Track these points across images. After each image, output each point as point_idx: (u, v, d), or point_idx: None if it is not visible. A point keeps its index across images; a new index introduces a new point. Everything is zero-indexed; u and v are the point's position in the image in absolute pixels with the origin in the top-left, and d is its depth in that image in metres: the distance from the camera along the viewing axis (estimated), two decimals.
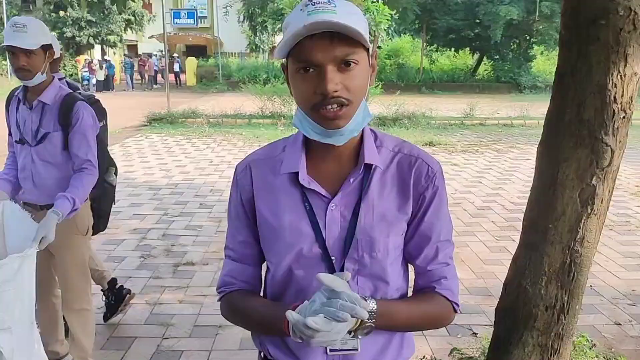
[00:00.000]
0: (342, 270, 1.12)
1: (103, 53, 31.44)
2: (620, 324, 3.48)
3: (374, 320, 1.05)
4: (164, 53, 19.65)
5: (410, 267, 1.25)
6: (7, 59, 2.50)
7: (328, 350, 1.13)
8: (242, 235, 1.21)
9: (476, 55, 28.27)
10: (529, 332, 2.43)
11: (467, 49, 28.15)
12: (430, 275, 1.19)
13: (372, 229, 1.12)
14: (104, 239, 4.84)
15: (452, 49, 28.66)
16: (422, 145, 10.54)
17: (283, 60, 1.09)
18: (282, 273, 1.16)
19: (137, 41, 39.78)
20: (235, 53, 35.15)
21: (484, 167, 8.56)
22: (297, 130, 1.15)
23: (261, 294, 1.27)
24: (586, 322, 3.45)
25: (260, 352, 1.26)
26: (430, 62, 28.11)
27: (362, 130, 1.13)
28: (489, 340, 2.73)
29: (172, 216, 5.77)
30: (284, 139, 1.22)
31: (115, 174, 2.76)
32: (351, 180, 1.12)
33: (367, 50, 1.06)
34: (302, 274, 1.14)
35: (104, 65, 25.42)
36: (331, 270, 1.12)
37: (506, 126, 13.27)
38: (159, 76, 28.44)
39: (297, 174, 1.12)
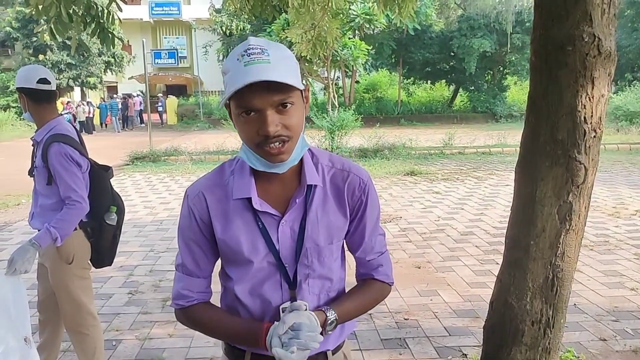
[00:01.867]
0: (295, 276, 1.30)
1: (83, 95, 31.46)
2: (606, 340, 3.56)
3: (335, 324, 1.30)
4: (144, 93, 19.81)
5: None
6: None
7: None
8: (196, 252, 1.34)
9: (452, 87, 28.96)
10: (517, 347, 2.49)
11: (443, 81, 28.86)
12: (369, 265, 1.42)
13: (317, 238, 1.30)
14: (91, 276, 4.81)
15: (429, 82, 29.34)
16: (404, 175, 10.73)
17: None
18: (244, 285, 1.31)
19: (117, 82, 39.94)
20: (215, 91, 35.46)
21: (465, 194, 8.72)
22: None
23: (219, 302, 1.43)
24: (572, 339, 3.52)
25: (223, 342, 1.43)
26: (407, 94, 28.70)
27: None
28: (479, 359, 2.78)
29: (158, 252, 5.76)
30: (229, 162, 1.35)
31: (118, 212, 2.83)
32: (297, 200, 1.28)
33: (300, 90, 1.20)
34: (259, 281, 1.31)
35: (90, 108, 25.41)
36: (286, 276, 1.30)
37: (485, 154, 13.55)
38: (145, 115, 28.29)
39: (249, 198, 1.26)
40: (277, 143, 1.15)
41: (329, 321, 1.27)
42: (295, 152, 1.21)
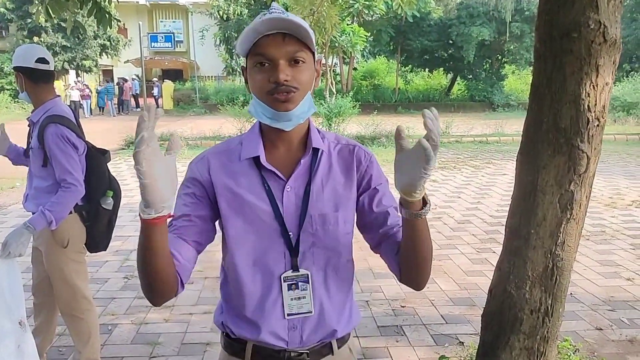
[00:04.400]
0: (297, 244, 1.27)
1: (78, 77, 31.15)
2: (602, 329, 3.57)
3: (426, 211, 1.16)
4: (140, 77, 19.63)
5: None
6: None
7: (286, 315, 1.27)
8: (185, 209, 1.27)
9: (450, 75, 28.85)
10: (516, 335, 2.49)
11: (441, 69, 28.75)
12: (398, 234, 1.28)
13: (322, 205, 1.28)
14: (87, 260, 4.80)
15: (426, 70, 29.23)
16: None
17: (243, 63, 1.27)
18: (247, 255, 1.27)
19: (112, 66, 39.62)
20: (211, 76, 35.26)
21: (462, 183, 8.71)
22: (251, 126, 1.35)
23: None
24: (568, 328, 3.53)
25: (222, 332, 1.38)
26: (405, 82, 28.59)
27: (309, 123, 1.32)
28: (476, 348, 2.78)
29: None
30: (239, 136, 1.37)
31: (114, 197, 2.79)
32: (302, 161, 1.28)
33: (313, 55, 1.26)
34: (262, 248, 1.27)
35: (75, 92, 24.11)
36: (289, 244, 1.27)
37: (482, 143, 13.53)
38: (140, 100, 27.47)
39: (257, 158, 1.28)
40: (285, 92, 1.19)
41: (427, 204, 1.16)
42: (300, 107, 1.23)
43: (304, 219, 1.27)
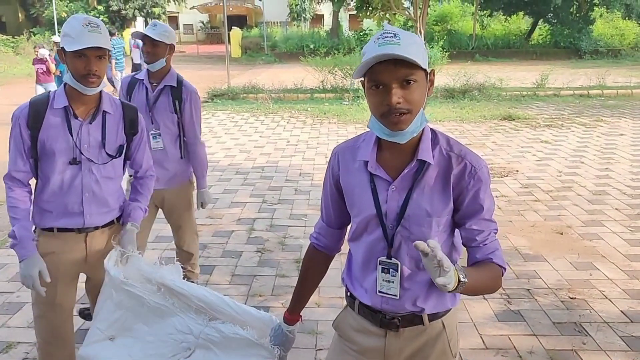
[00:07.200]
0: (393, 237, 1.50)
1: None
2: None
3: (461, 288, 1.31)
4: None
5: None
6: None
7: (377, 291, 1.54)
8: (326, 204, 1.70)
9: (530, 19, 27.02)
10: None
11: (521, 13, 26.91)
12: (486, 249, 1.50)
13: (419, 208, 1.47)
14: (212, 230, 4.68)
15: (502, 13, 27.40)
16: (500, 119, 10.09)
17: (361, 78, 1.44)
18: (356, 229, 1.59)
19: (178, 12, 39.56)
20: (276, 22, 34.61)
21: (578, 145, 8.02)
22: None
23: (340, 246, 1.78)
24: None
25: (345, 287, 1.69)
26: (481, 27, 27.01)
27: (423, 131, 1.47)
28: None
29: (271, 204, 5.54)
30: (365, 133, 1.58)
31: None
32: (406, 170, 1.47)
33: (425, 70, 1.39)
34: (367, 233, 1.55)
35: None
36: (386, 235, 1.50)
37: (582, 97, 12.53)
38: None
39: (367, 162, 1.51)
40: (398, 114, 1.35)
41: (460, 280, 1.29)
42: (414, 124, 1.39)
43: (403, 215, 1.47)
